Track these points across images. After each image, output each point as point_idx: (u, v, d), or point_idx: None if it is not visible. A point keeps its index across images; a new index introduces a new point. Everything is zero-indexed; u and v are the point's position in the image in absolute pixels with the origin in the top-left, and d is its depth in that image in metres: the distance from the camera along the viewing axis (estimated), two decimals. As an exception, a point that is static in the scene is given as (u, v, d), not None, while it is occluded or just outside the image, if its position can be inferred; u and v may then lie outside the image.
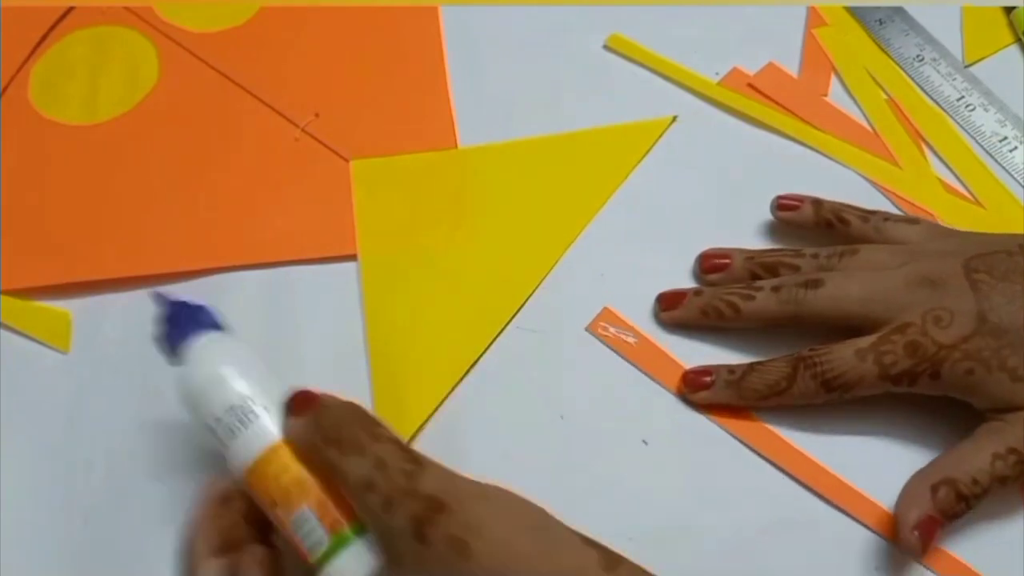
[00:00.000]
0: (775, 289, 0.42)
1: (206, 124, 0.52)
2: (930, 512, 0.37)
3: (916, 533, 0.37)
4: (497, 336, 0.45)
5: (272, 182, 0.50)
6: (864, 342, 0.40)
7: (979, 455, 0.38)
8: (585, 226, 0.48)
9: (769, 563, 0.39)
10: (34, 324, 0.46)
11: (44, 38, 0.55)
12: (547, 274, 0.47)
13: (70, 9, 0.56)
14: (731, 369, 0.42)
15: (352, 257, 0.47)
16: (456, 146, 0.51)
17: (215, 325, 0.38)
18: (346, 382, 0.43)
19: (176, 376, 0.37)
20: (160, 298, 0.38)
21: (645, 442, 0.42)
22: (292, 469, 0.34)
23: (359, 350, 0.45)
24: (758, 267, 0.44)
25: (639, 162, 0.50)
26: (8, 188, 0.50)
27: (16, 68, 0.54)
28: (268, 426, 0.35)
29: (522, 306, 0.46)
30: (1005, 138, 0.50)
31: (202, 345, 0.37)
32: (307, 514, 0.34)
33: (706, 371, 0.42)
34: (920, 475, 0.38)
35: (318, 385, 0.36)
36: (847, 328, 0.41)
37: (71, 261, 0.48)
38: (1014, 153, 0.49)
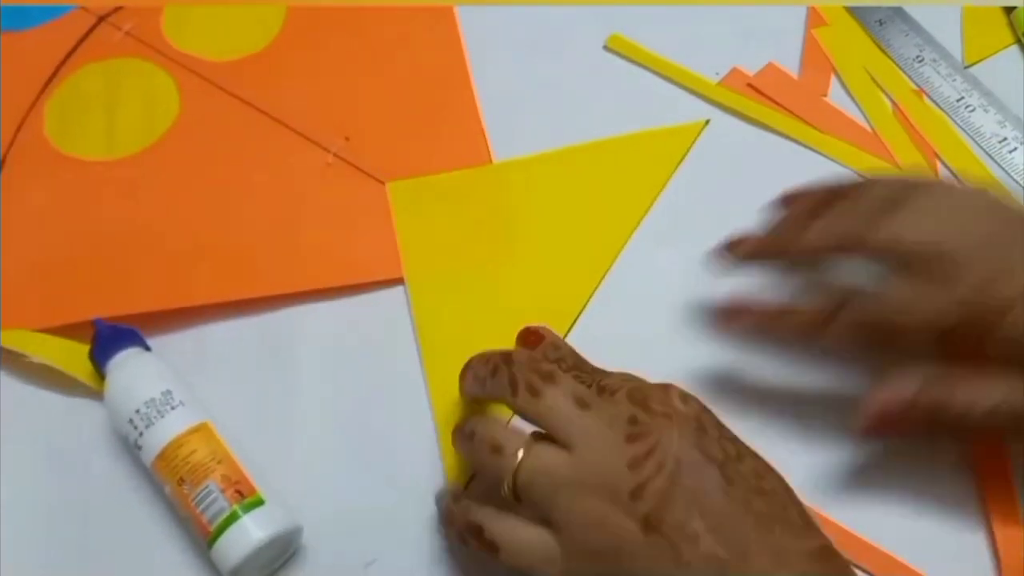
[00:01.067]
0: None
1: (234, 153, 0.51)
2: (901, 393, 0.37)
3: (877, 407, 0.37)
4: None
5: (307, 208, 0.49)
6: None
7: (987, 386, 0.36)
8: (631, 233, 0.48)
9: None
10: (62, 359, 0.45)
11: (56, 72, 0.54)
12: (599, 285, 0.46)
13: (81, 41, 0.55)
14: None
15: (398, 281, 0.47)
16: (491, 161, 0.50)
17: (139, 345, 0.44)
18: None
19: (106, 383, 0.42)
20: (96, 324, 0.44)
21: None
22: (201, 451, 0.40)
23: (416, 372, 0.45)
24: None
25: (677, 167, 0.50)
26: (29, 226, 0.49)
27: (30, 103, 0.53)
28: (184, 415, 0.41)
29: (577, 318, 0.46)
30: (1005, 139, 0.50)
31: (124, 357, 0.43)
32: (211, 487, 0.39)
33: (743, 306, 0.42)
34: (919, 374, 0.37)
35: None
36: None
37: (103, 296, 0.47)
38: (1014, 154, 0.49)
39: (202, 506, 0.39)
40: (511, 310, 0.45)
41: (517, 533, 0.34)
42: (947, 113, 0.51)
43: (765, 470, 0.34)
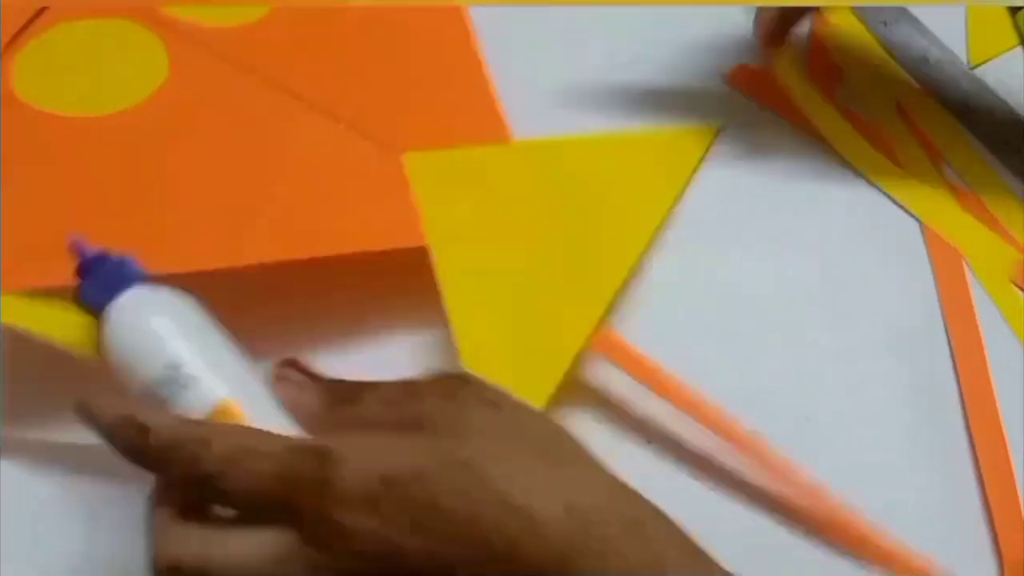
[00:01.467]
0: None
1: (227, 118, 0.49)
2: None
3: None
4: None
5: (313, 174, 0.47)
6: None
7: None
8: (658, 226, 0.47)
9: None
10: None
11: (21, 31, 0.51)
12: (632, 268, 0.46)
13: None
14: None
15: (420, 250, 0.45)
16: (508, 138, 0.49)
17: (141, 278, 0.34)
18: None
19: (101, 335, 0.33)
20: (77, 247, 0.35)
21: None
22: None
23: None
24: None
25: (696, 168, 0.49)
26: (7, 185, 0.47)
27: None
28: (199, 395, 0.32)
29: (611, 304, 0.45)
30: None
31: (121, 306, 0.33)
32: None
33: None
34: None
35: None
36: None
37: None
38: (1019, 155, 0.49)
39: None
40: (544, 296, 0.44)
41: None
42: (953, 114, 0.51)
43: (446, 495, 0.29)
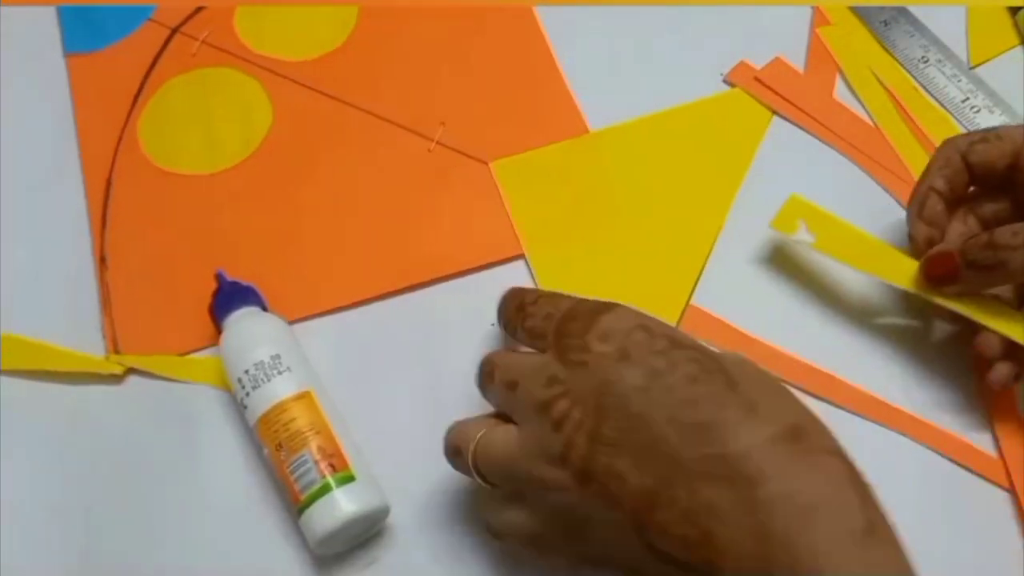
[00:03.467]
0: None
1: (335, 151, 0.51)
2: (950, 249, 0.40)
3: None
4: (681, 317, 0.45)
5: (417, 196, 0.49)
6: None
7: None
8: (735, 194, 0.49)
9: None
10: (214, 376, 0.45)
11: (140, 90, 0.53)
12: (713, 246, 0.47)
13: (159, 55, 0.54)
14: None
15: (518, 257, 0.47)
16: (586, 131, 0.51)
17: (258, 303, 0.45)
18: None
19: (225, 333, 0.43)
20: (218, 277, 0.45)
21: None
22: (301, 419, 0.40)
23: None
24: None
25: (767, 129, 0.51)
26: (144, 247, 0.49)
27: (122, 123, 0.52)
28: (288, 381, 0.41)
29: (697, 282, 0.46)
30: (1010, 140, 0.50)
31: (240, 316, 0.44)
32: (307, 457, 0.39)
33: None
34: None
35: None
36: None
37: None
38: (1019, 155, 0.49)
39: (296, 474, 0.39)
40: (628, 271, 0.47)
41: (501, 516, 0.37)
42: (952, 114, 0.51)
43: (700, 372, 0.33)
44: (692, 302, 0.46)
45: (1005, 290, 0.42)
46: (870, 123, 0.51)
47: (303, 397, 0.41)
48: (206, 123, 0.52)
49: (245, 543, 0.42)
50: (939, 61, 0.53)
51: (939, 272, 0.41)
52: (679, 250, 0.47)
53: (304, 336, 0.45)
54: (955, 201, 0.43)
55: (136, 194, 0.50)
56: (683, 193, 0.49)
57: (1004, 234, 0.39)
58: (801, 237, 0.44)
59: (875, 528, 0.30)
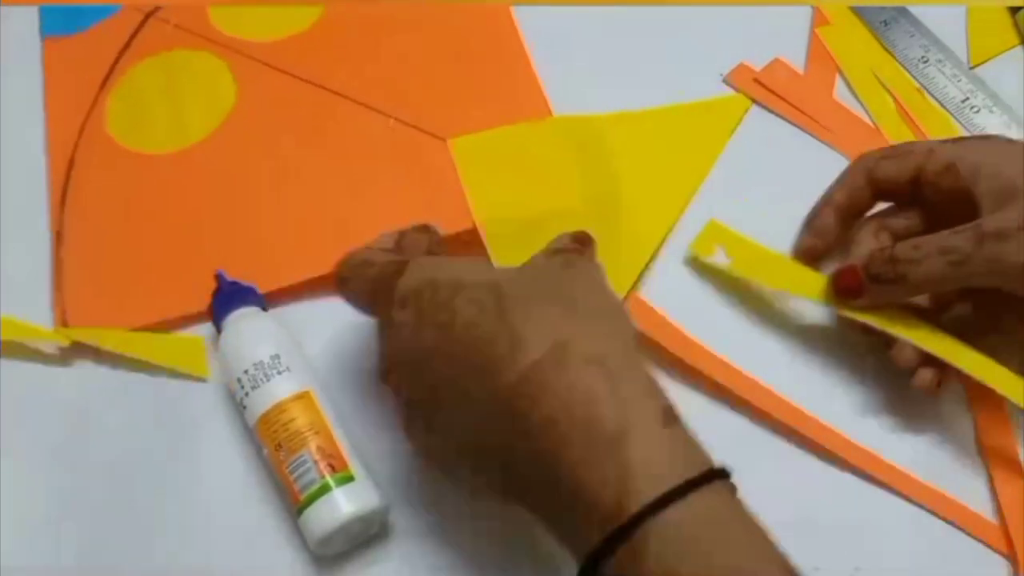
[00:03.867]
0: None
1: (296, 130, 0.52)
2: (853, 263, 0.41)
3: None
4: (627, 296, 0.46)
5: (377, 173, 0.50)
6: None
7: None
8: (695, 192, 0.49)
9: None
10: (169, 355, 0.46)
11: (111, 71, 0.54)
12: (665, 237, 0.48)
13: (132, 38, 0.55)
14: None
15: (470, 232, 0.47)
16: (550, 114, 0.51)
17: (257, 303, 0.45)
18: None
19: (224, 333, 0.44)
20: (218, 277, 0.45)
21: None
22: (301, 419, 0.40)
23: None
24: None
25: (731, 136, 0.51)
26: (102, 224, 0.49)
27: (90, 103, 0.53)
28: (288, 381, 0.41)
29: (645, 268, 0.47)
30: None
31: (239, 316, 0.44)
32: (306, 457, 0.39)
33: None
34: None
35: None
36: None
37: (189, 291, 0.46)
38: (1019, 155, 0.49)
39: (295, 474, 0.39)
40: None
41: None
42: (952, 114, 0.51)
43: (478, 313, 0.34)
44: (639, 294, 0.46)
45: (923, 299, 0.43)
46: (870, 123, 0.51)
47: (302, 397, 0.41)
48: (171, 104, 0.53)
49: (244, 543, 0.42)
50: (939, 61, 0.53)
51: (844, 286, 0.41)
52: (630, 240, 0.47)
53: (304, 336, 0.45)
54: (855, 215, 0.45)
55: (97, 173, 0.51)
56: (642, 187, 0.49)
57: (905, 248, 0.40)
58: (718, 260, 0.45)
59: (627, 431, 0.31)
